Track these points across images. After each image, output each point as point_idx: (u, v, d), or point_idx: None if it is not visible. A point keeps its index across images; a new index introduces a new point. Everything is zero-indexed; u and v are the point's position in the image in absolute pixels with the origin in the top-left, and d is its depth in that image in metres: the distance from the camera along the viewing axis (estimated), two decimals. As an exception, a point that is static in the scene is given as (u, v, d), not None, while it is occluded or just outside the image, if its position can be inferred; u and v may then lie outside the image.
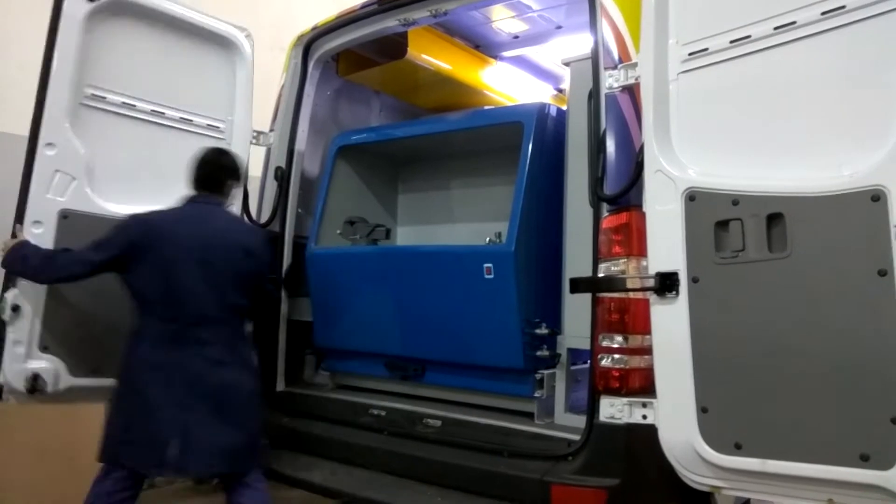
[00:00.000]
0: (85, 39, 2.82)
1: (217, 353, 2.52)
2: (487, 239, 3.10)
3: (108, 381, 2.66)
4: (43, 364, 2.73)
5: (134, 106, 3.02)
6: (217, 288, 2.55)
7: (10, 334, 2.70)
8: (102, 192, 2.90)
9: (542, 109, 2.93)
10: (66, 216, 2.78)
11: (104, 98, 2.94)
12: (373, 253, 3.34)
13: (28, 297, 2.71)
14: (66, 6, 2.76)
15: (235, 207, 3.13)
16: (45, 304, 2.74)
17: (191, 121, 3.21)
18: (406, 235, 3.89)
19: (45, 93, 2.75)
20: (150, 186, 2.97)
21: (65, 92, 2.77)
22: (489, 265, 2.75)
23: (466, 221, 3.63)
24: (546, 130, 2.90)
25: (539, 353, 2.71)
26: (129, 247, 2.50)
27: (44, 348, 2.75)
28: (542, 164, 2.85)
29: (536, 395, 2.70)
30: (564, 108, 2.91)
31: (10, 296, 2.69)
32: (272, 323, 3.42)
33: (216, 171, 2.70)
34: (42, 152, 2.75)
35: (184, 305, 2.51)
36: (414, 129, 3.55)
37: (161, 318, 2.51)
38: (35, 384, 2.72)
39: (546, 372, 2.72)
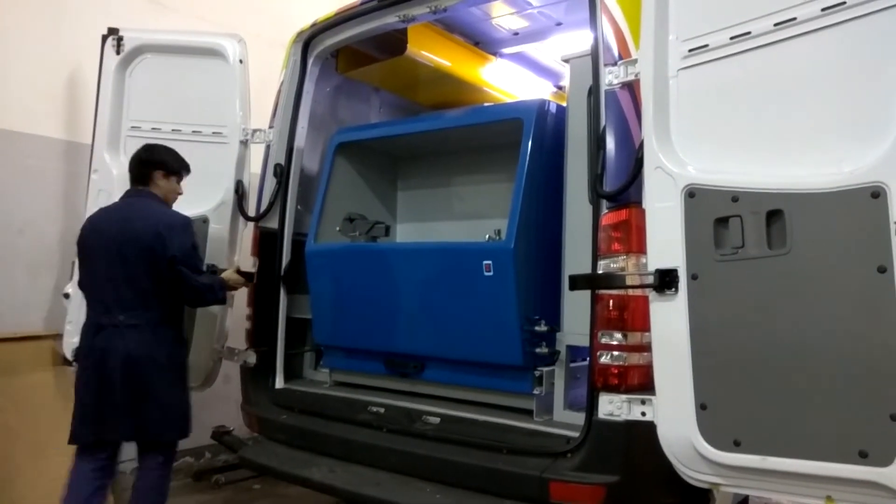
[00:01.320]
0: (121, 85, 3.54)
1: (134, 336, 2.77)
2: (487, 236, 3.09)
3: None
4: None
5: (160, 129, 3.50)
6: (130, 274, 2.80)
7: (67, 315, 3.45)
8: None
9: (541, 106, 2.92)
10: None
11: (140, 128, 3.54)
12: (372, 250, 3.34)
13: (75, 286, 3.27)
14: (104, 63, 3.51)
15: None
16: None
17: (200, 132, 3.45)
18: (405, 233, 3.89)
19: (95, 133, 3.54)
20: None
21: (105, 131, 3.51)
22: (488, 262, 2.75)
23: (466, 219, 3.62)
24: (546, 127, 2.89)
25: (538, 350, 2.71)
26: (78, 249, 2.96)
27: None
28: (541, 160, 2.85)
29: (535, 392, 2.70)
30: (564, 104, 2.90)
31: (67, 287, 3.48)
32: (271, 320, 3.43)
33: (138, 165, 2.98)
34: (92, 177, 3.51)
35: (103, 292, 2.83)
36: (413, 125, 3.54)
37: (91, 307, 2.90)
38: (77, 356, 3.18)
39: (545, 369, 2.72)
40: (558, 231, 2.75)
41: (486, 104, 3.86)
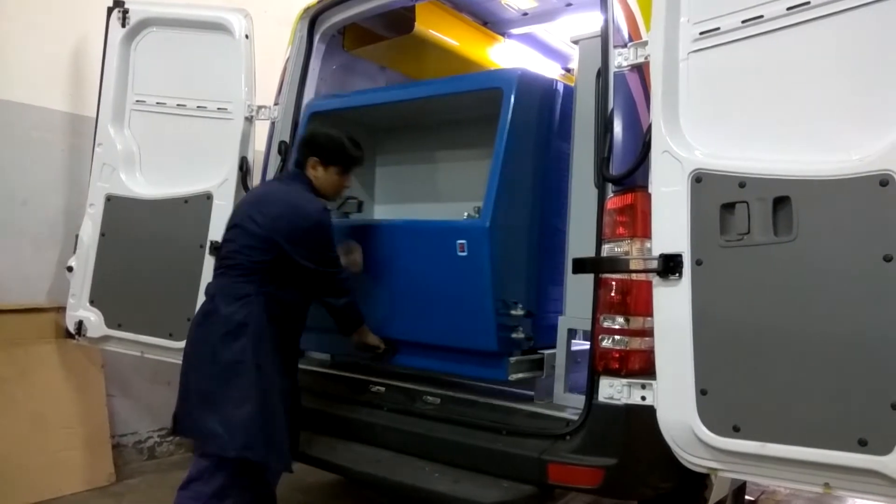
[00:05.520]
0: (126, 58, 3.51)
1: None
2: (466, 214, 2.85)
3: (128, 335, 3.34)
4: (87, 314, 3.42)
5: (165, 103, 3.48)
6: None
7: (70, 289, 3.47)
8: (137, 179, 3.47)
9: (522, 74, 2.73)
10: (109, 199, 3.44)
11: (144, 101, 3.52)
12: (341, 227, 3.06)
13: (80, 260, 3.44)
14: (109, 36, 3.49)
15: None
16: (94, 266, 3.42)
17: (205, 107, 3.41)
18: (385, 214, 3.70)
19: (99, 106, 3.51)
20: (175, 169, 3.42)
21: (109, 104, 3.49)
22: (462, 241, 2.61)
23: (449, 197, 3.43)
24: (527, 98, 2.72)
25: (514, 335, 2.63)
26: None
27: (91, 301, 3.42)
28: (522, 133, 2.68)
29: (511, 377, 2.64)
30: (543, 75, 2.83)
31: (70, 260, 3.48)
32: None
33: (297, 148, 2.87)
34: (96, 150, 3.50)
35: None
36: (388, 94, 3.37)
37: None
38: (80, 329, 3.41)
39: (547, 352, 2.72)
40: (542, 210, 2.69)
41: (466, 74, 3.55)
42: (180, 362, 2.66)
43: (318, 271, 2.61)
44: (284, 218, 2.56)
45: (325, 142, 2.75)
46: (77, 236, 3.48)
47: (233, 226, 2.66)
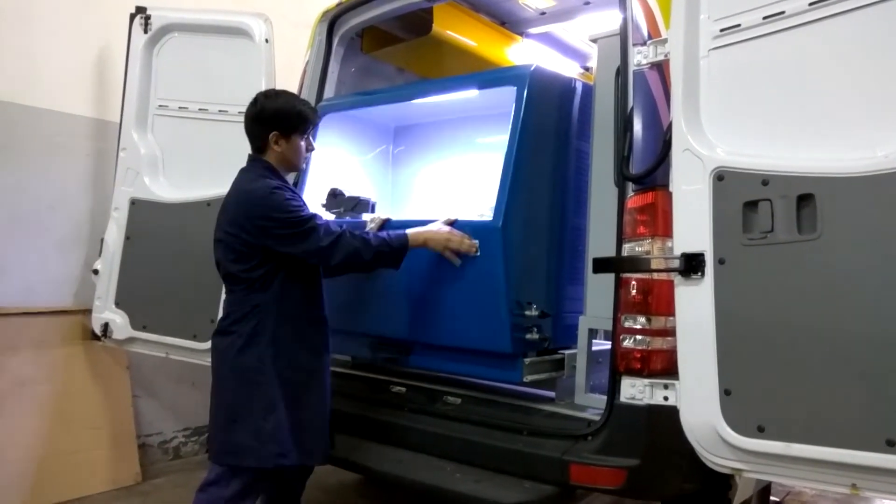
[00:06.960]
0: (148, 64, 3.58)
1: None
2: (479, 214, 2.81)
3: (153, 337, 3.39)
4: (113, 316, 3.48)
5: (187, 108, 3.53)
6: None
7: (96, 291, 3.55)
8: (161, 183, 3.53)
9: (535, 71, 2.67)
10: (133, 202, 3.51)
11: (167, 106, 3.58)
12: (353, 227, 2.94)
13: (106, 263, 3.51)
14: (132, 42, 3.56)
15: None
16: (119, 269, 3.49)
17: (226, 111, 3.43)
18: (398, 214, 3.55)
19: (123, 111, 3.58)
20: (197, 173, 3.45)
21: (133, 109, 3.55)
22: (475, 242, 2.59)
23: (465, 198, 3.35)
24: (541, 94, 2.66)
25: (528, 336, 2.59)
26: None
27: (116, 303, 3.49)
28: (536, 131, 2.63)
29: (526, 379, 2.62)
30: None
31: (96, 263, 3.57)
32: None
33: (248, 132, 2.64)
34: (120, 155, 3.57)
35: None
36: (400, 93, 3.35)
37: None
38: (105, 331, 3.48)
39: (567, 352, 2.70)
40: (558, 209, 2.68)
41: (478, 72, 3.43)
42: (204, 363, 2.68)
43: (301, 249, 2.42)
44: (238, 210, 2.47)
45: (278, 112, 2.57)
46: (102, 240, 3.54)
47: (216, 240, 2.56)
